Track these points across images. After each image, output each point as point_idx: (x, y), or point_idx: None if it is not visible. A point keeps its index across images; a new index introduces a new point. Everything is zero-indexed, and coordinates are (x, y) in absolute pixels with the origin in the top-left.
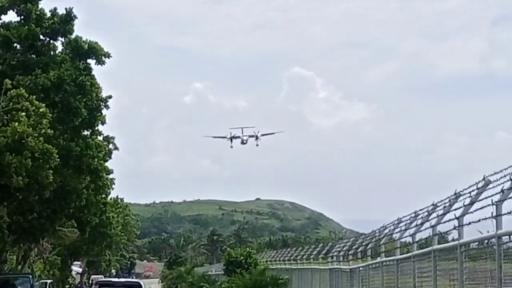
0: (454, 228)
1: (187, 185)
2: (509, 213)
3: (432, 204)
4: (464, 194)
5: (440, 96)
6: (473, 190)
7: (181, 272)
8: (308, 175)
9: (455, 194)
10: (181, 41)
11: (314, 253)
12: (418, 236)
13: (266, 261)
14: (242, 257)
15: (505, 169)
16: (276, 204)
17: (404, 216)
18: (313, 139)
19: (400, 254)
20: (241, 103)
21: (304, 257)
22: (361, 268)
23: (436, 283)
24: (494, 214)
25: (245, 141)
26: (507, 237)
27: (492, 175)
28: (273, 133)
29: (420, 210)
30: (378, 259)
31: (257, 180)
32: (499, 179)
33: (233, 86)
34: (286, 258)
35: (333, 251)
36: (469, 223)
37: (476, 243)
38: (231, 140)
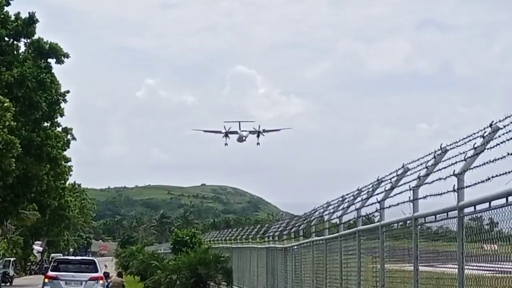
0: (376, 211)
1: (139, 172)
2: (425, 197)
3: (357, 189)
4: (386, 180)
5: (369, 92)
6: (393, 177)
7: (133, 251)
8: (249, 163)
9: (378, 180)
10: (134, 42)
11: (253, 233)
12: (344, 218)
13: (210, 241)
14: (188, 237)
15: (422, 157)
16: (220, 189)
17: (332, 200)
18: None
19: (329, 234)
20: (190, 98)
21: (244, 237)
22: (294, 247)
23: (360, 260)
24: (412, 198)
25: (244, 138)
26: (422, 219)
27: (410, 163)
28: (279, 130)
29: (347, 194)
30: (310, 239)
31: (203, 167)
32: (416, 166)
33: (182, 82)
34: (227, 238)
35: (269, 231)
36: (389, 206)
37: (395, 224)
38: (227, 136)
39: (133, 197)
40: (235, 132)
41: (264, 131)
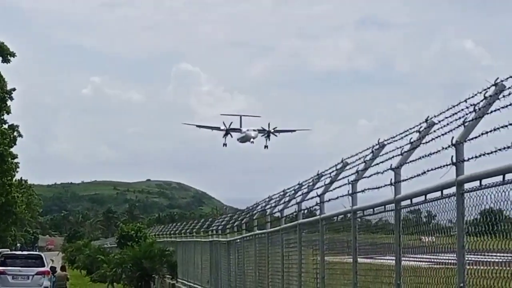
0: (317, 204)
1: (85, 168)
2: (363, 191)
3: (298, 184)
4: (326, 174)
5: (312, 89)
6: (333, 171)
7: (80, 245)
8: (194, 158)
9: (318, 174)
10: (80, 40)
11: (197, 227)
12: (286, 212)
13: (155, 235)
14: (133, 232)
15: (360, 152)
16: (165, 185)
17: (274, 194)
18: (200, 132)
19: (271, 228)
20: (135, 95)
21: (188, 231)
22: (237, 240)
23: (301, 253)
24: (350, 191)
25: (252, 139)
26: (361, 212)
27: (349, 158)
28: (294, 130)
29: (288, 188)
30: (252, 232)
31: (148, 163)
32: (355, 161)
33: (127, 80)
34: (172, 232)
35: (213, 225)
36: (329, 200)
37: (336, 217)
38: (227, 134)
39: (80, 192)
40: (238, 130)
41: (276, 131)
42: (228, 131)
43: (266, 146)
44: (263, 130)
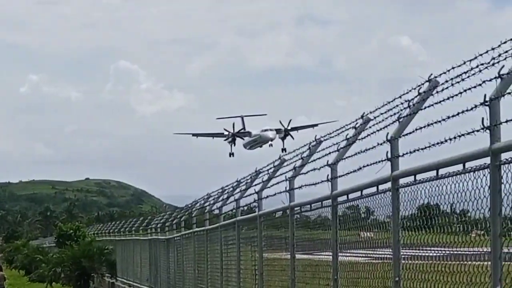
0: (254, 201)
1: (23, 167)
2: (300, 187)
3: (237, 181)
4: (264, 171)
5: (252, 85)
6: (270, 168)
7: (18, 245)
8: (133, 157)
9: (256, 171)
10: (17, 38)
11: (136, 225)
12: (224, 209)
13: (94, 234)
14: (72, 231)
15: (297, 149)
16: (104, 183)
17: (213, 192)
18: (137, 125)
19: (210, 225)
20: (74, 94)
21: (127, 229)
22: (176, 238)
23: (239, 250)
24: (288, 188)
25: (270, 142)
26: (299, 208)
27: (286, 154)
28: (315, 125)
29: (227, 186)
30: (191, 230)
31: (87, 162)
32: (293, 158)
33: (66, 78)
34: (111, 231)
35: (152, 223)
36: (267, 197)
37: (274, 214)
38: (233, 140)
39: (18, 192)
40: (246, 133)
41: (294, 129)
42: (234, 137)
43: (284, 149)
44: (279, 130)
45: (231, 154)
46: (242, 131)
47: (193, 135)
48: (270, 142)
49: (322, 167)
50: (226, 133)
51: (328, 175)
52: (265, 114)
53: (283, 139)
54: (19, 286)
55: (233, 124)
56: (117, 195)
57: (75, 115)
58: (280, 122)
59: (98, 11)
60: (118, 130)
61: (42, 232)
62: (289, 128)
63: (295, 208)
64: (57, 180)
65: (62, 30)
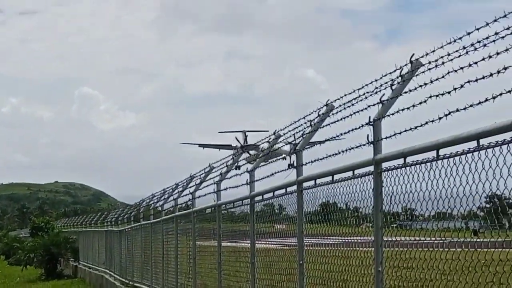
0: (189, 200)
1: (3, 172)
2: (225, 189)
3: (175, 184)
4: (196, 176)
5: (190, 107)
6: (202, 174)
7: None
8: (93, 164)
9: (190, 176)
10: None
11: (95, 219)
12: (166, 206)
13: (61, 226)
14: (43, 224)
15: (223, 158)
16: (70, 185)
17: (156, 192)
18: (97, 138)
19: (154, 219)
20: (46, 113)
21: (88, 222)
22: (127, 229)
23: (177, 239)
24: (215, 190)
25: (284, 156)
26: (224, 205)
27: (215, 163)
28: (324, 142)
29: (168, 187)
30: (139, 223)
31: (56, 167)
32: (220, 165)
33: (40, 100)
34: (75, 224)
35: (108, 218)
36: (199, 197)
37: (204, 210)
38: (242, 153)
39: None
40: (255, 146)
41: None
42: (244, 149)
43: (290, 165)
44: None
45: (238, 167)
46: (252, 144)
47: (200, 145)
48: (284, 156)
49: (243, 173)
50: (235, 144)
51: (247, 180)
52: (267, 130)
53: (293, 153)
54: (0, 268)
55: (236, 138)
56: (80, 195)
57: (47, 130)
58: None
59: (66, 47)
60: (82, 142)
61: (19, 225)
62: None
63: (222, 206)
64: (32, 182)
65: (37, 61)
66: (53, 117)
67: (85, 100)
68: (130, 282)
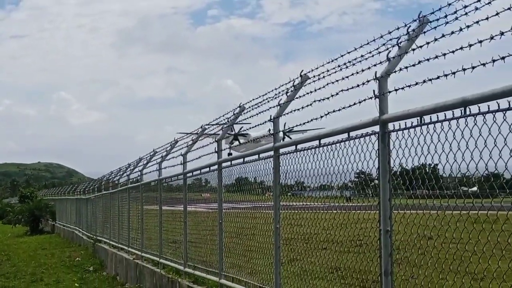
0: (139, 176)
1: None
2: (165, 168)
3: (128, 164)
4: (144, 158)
5: (142, 109)
6: (147, 156)
7: None
8: (68, 148)
9: (139, 158)
10: None
11: (68, 190)
12: (121, 180)
13: (43, 195)
14: (29, 193)
15: (165, 145)
16: (50, 164)
17: (114, 169)
18: (70, 130)
19: (112, 190)
20: (31, 111)
21: (63, 192)
22: (92, 197)
23: (129, 205)
24: (158, 168)
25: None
26: (164, 180)
27: (158, 148)
28: (306, 131)
29: (122, 166)
30: (101, 193)
31: (39, 151)
32: (161, 150)
33: (27, 102)
34: (53, 194)
35: (78, 189)
36: (146, 173)
37: (150, 183)
38: (236, 140)
39: None
40: (245, 135)
41: (292, 131)
42: (236, 137)
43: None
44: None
45: (229, 154)
46: (243, 133)
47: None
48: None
49: (178, 156)
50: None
51: (181, 161)
52: (250, 123)
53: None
54: None
55: (233, 127)
56: (57, 172)
57: (32, 124)
58: (284, 125)
59: (47, 62)
60: (58, 133)
61: (11, 194)
62: (285, 131)
63: (163, 180)
64: (21, 162)
65: (25, 72)
66: (37, 115)
67: (61, 102)
68: (94, 236)
